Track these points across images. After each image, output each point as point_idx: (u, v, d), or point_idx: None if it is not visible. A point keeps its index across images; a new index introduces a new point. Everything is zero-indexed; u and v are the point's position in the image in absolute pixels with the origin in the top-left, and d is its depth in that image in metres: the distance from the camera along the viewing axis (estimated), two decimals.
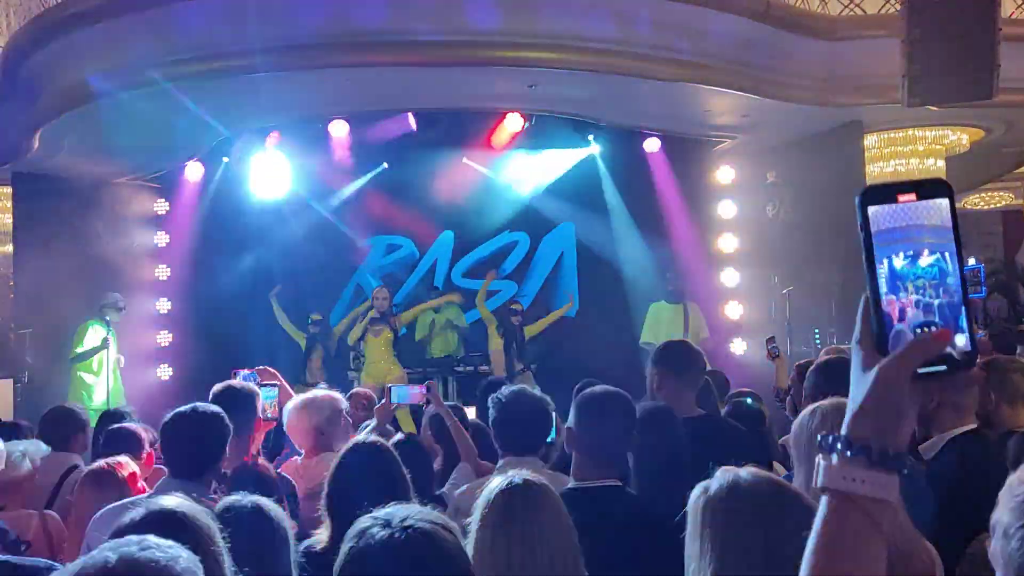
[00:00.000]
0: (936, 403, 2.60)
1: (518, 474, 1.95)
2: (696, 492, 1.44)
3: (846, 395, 2.08)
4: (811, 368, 2.79)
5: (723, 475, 1.44)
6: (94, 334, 8.44)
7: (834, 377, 2.64)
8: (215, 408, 2.95)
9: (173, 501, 1.75)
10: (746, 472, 1.44)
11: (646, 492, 2.39)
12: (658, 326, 8.36)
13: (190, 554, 1.31)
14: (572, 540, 1.89)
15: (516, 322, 9.01)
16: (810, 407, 2.05)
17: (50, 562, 2.64)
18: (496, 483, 1.94)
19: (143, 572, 1.23)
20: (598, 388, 2.54)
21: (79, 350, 8.39)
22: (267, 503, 2.09)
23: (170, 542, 1.31)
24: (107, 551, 1.26)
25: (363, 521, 1.52)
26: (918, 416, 2.65)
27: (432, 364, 9.34)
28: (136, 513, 1.72)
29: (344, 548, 1.50)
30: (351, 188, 10.01)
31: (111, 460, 3.20)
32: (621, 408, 2.48)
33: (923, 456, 2.65)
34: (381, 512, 1.52)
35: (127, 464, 3.18)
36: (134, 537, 1.30)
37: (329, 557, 2.33)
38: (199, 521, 1.67)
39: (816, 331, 8.42)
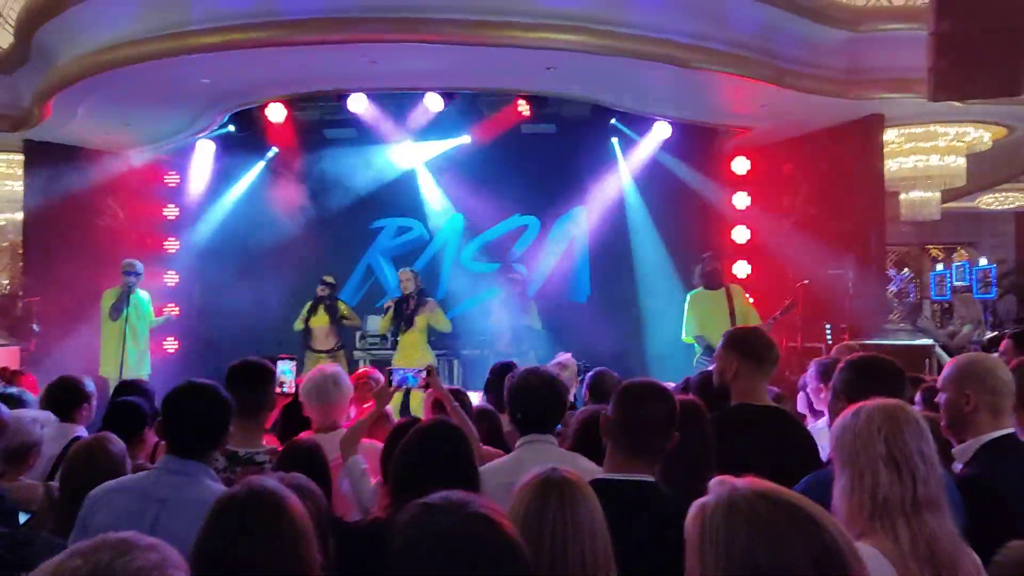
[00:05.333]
0: (972, 406, 2.53)
1: (556, 468, 1.89)
2: (692, 509, 1.37)
3: (882, 394, 2.03)
4: (841, 365, 2.71)
5: (719, 488, 1.35)
6: (110, 299, 8.34)
7: (868, 375, 2.58)
8: (215, 385, 2.89)
9: (271, 485, 1.69)
10: (744, 484, 1.34)
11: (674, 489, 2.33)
12: (704, 316, 8.03)
13: (176, 556, 1.15)
14: (605, 539, 1.83)
15: (518, 290, 8.90)
16: (853, 408, 1.98)
17: (53, 538, 2.61)
18: (532, 475, 1.88)
19: None
20: (639, 379, 2.49)
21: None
22: (302, 485, 2.06)
23: (153, 541, 1.13)
24: (75, 557, 1.09)
25: (417, 505, 1.46)
26: (953, 419, 2.59)
27: (439, 347, 9.32)
28: (235, 494, 1.66)
29: (401, 530, 1.44)
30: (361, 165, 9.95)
31: (100, 435, 3.15)
32: (662, 402, 2.41)
33: (956, 460, 2.58)
34: (437, 496, 1.47)
35: (115, 440, 3.12)
36: (111, 537, 1.13)
37: (382, 528, 2.30)
38: (298, 510, 1.63)
39: (828, 325, 8.33)
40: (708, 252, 8.51)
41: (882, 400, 1.98)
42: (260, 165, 10.07)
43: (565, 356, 5.33)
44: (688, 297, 8.33)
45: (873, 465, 1.88)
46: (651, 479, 2.34)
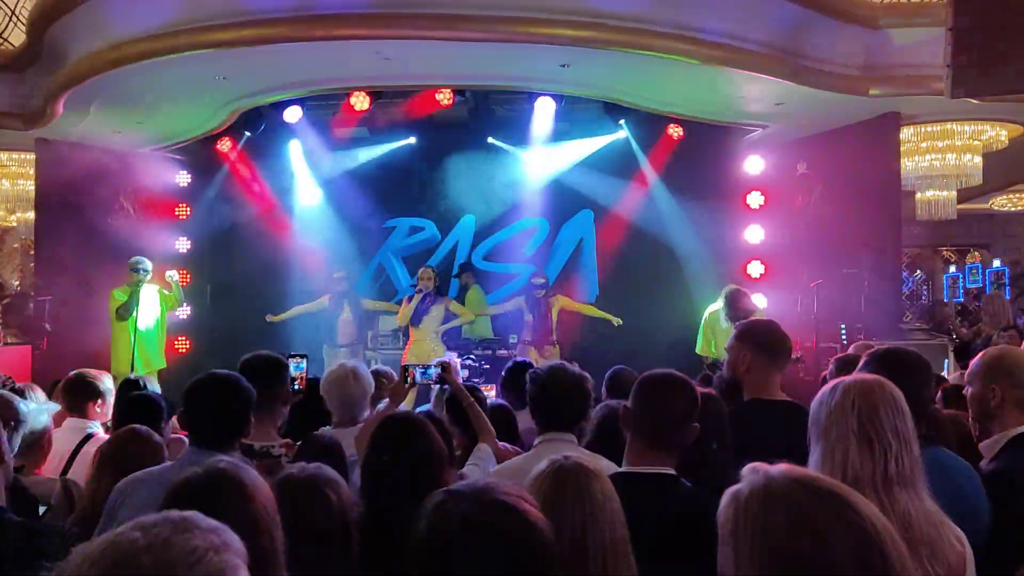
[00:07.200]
0: (1000, 399, 2.48)
1: (569, 456, 1.86)
2: (725, 498, 1.31)
3: (906, 385, 1.98)
4: (868, 356, 2.65)
5: (753, 476, 1.29)
6: (122, 295, 8.23)
7: (891, 366, 2.51)
8: (236, 375, 2.87)
9: (233, 466, 1.65)
10: (780, 472, 1.28)
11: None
12: (716, 339, 7.82)
13: (236, 540, 1.10)
14: (622, 530, 1.80)
15: (539, 296, 9.01)
16: (831, 383, 1.96)
17: (69, 528, 2.58)
18: (545, 463, 1.84)
19: (175, 561, 1.03)
20: (661, 370, 2.44)
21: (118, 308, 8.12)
22: (326, 476, 2.03)
23: (215, 523, 1.10)
24: (136, 530, 1.06)
25: (437, 495, 1.44)
26: (980, 413, 2.54)
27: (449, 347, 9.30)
28: (192, 475, 1.63)
29: (425, 518, 1.41)
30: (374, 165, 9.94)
31: (136, 427, 3.14)
32: (684, 394, 2.36)
33: (982, 454, 2.53)
34: (458, 485, 1.45)
35: (153, 432, 3.13)
36: (175, 514, 1.10)
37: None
38: (260, 492, 1.58)
39: (843, 326, 8.26)
40: (734, 286, 7.93)
41: (861, 375, 1.95)
42: (272, 164, 10.07)
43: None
44: (706, 314, 8.11)
45: (845, 440, 1.85)
46: (672, 472, 2.30)
